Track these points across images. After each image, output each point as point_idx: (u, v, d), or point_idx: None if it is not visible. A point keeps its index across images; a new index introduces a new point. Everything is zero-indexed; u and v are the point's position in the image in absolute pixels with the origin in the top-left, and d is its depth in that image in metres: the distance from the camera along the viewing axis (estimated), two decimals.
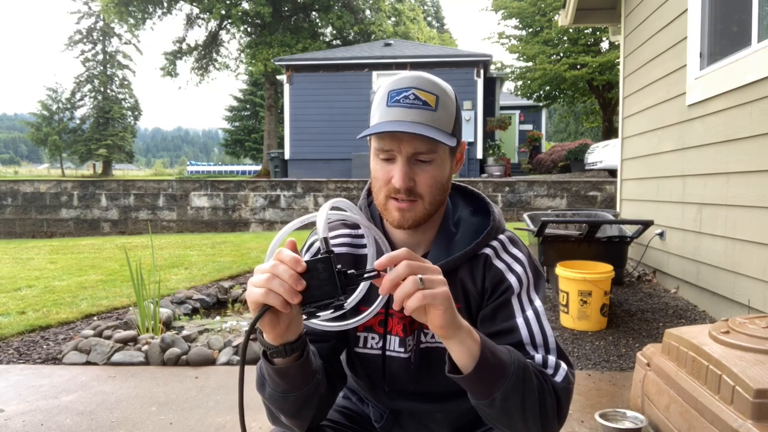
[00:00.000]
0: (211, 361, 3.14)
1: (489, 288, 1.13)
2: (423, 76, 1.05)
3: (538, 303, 1.13)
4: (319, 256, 0.90)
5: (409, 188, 1.05)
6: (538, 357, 1.06)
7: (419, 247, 1.17)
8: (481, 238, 1.14)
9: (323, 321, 1.02)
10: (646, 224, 4.19)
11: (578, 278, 3.55)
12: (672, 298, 4.38)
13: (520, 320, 1.10)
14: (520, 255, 1.16)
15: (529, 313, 1.11)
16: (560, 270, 3.68)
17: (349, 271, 0.90)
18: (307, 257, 1.19)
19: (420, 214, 1.09)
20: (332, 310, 0.91)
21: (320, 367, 1.08)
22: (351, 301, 1.01)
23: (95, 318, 4.07)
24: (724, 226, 3.65)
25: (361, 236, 1.20)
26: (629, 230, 4.56)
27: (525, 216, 5.33)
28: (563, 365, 1.06)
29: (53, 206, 12.83)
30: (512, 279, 1.12)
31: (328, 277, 0.88)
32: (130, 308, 4.17)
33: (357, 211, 1.06)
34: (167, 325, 3.82)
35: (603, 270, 3.67)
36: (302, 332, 0.99)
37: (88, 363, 3.17)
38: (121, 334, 3.41)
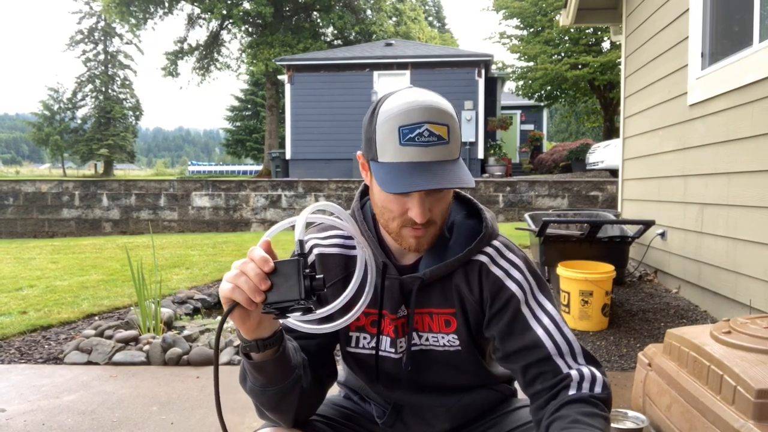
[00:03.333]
0: (212, 361, 3.14)
1: (489, 297, 1.13)
2: (432, 106, 1.02)
3: (549, 307, 1.13)
4: (291, 257, 0.91)
5: (428, 220, 1.06)
6: (574, 373, 1.06)
7: (411, 253, 1.16)
8: (474, 245, 1.13)
9: (300, 322, 1.02)
10: (648, 224, 4.18)
11: (579, 278, 3.55)
12: (673, 298, 4.37)
13: (540, 332, 1.09)
14: (516, 260, 1.15)
15: (546, 321, 1.11)
16: (561, 270, 3.67)
17: (317, 276, 0.90)
18: None
19: (433, 236, 1.10)
20: (300, 312, 0.92)
21: (301, 362, 1.09)
22: (329, 309, 1.00)
23: (96, 318, 4.08)
24: (726, 226, 3.65)
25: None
26: (630, 230, 4.56)
27: (526, 216, 5.33)
28: (597, 373, 1.07)
29: (54, 206, 12.85)
30: (513, 287, 1.12)
31: (294, 280, 0.89)
32: (132, 308, 4.17)
33: (347, 218, 1.05)
34: (168, 325, 3.82)
35: (604, 270, 3.67)
36: (277, 329, 1.00)
37: (89, 363, 3.17)
38: (123, 333, 3.41)
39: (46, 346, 3.46)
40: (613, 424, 2.08)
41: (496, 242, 1.17)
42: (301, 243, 0.93)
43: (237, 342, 3.29)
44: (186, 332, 3.52)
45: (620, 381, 2.78)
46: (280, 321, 1.00)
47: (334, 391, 1.40)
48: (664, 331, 2.14)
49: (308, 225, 1.13)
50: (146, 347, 3.25)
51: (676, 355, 1.99)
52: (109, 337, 3.41)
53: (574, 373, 1.06)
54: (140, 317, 3.62)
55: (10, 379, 2.96)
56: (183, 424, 2.41)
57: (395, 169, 1.00)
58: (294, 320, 1.02)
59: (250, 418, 2.32)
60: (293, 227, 1.00)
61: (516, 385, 1.40)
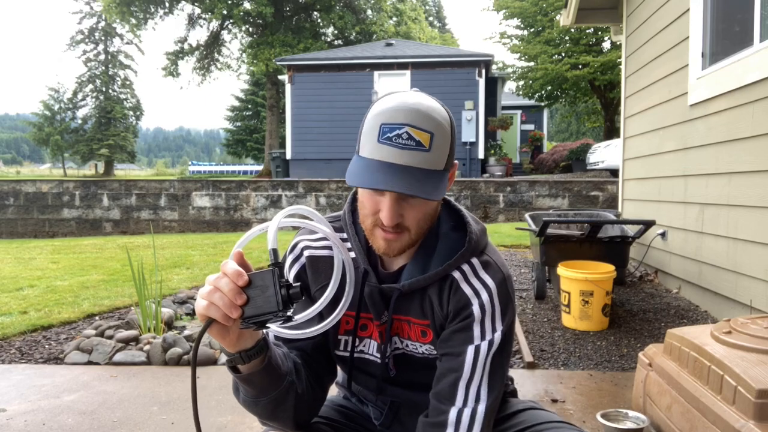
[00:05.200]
0: (212, 361, 3.14)
1: (452, 312, 1.11)
2: (419, 110, 1.00)
3: (497, 334, 1.10)
4: (266, 268, 0.89)
5: (398, 224, 1.03)
6: (453, 418, 1.06)
7: (398, 259, 1.15)
8: (453, 260, 1.11)
9: (281, 328, 1.02)
10: (648, 224, 4.18)
11: (580, 278, 3.55)
12: (674, 298, 4.37)
13: (470, 348, 1.08)
14: (489, 281, 1.12)
15: (484, 344, 1.09)
16: (562, 270, 3.67)
17: (294, 284, 0.89)
18: (290, 258, 1.19)
19: (406, 243, 1.07)
20: (280, 322, 0.90)
21: (293, 368, 1.08)
22: (306, 315, 0.99)
23: (97, 318, 4.08)
24: (726, 226, 3.65)
25: (345, 240, 1.18)
26: (631, 230, 4.55)
27: (527, 216, 5.32)
28: (480, 412, 1.06)
29: (55, 206, 12.85)
30: (474, 307, 1.09)
31: (270, 291, 0.87)
32: (132, 308, 4.18)
33: (320, 220, 1.04)
34: (169, 324, 3.82)
35: (605, 270, 3.67)
36: (260, 338, 0.98)
37: (89, 363, 3.18)
38: (123, 333, 3.41)
39: (46, 346, 3.46)
40: (613, 424, 2.09)
41: (474, 259, 1.13)
42: (275, 252, 0.91)
43: None
44: (186, 332, 3.52)
45: (620, 381, 2.78)
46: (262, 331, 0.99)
47: (333, 392, 1.40)
48: (665, 331, 2.14)
49: (295, 228, 1.13)
50: (147, 347, 3.25)
51: (676, 355, 1.99)
52: (110, 337, 3.42)
53: (453, 418, 1.06)
54: (141, 317, 3.63)
55: (11, 378, 2.96)
56: (183, 423, 2.41)
57: (367, 165, 1.00)
58: (275, 327, 1.01)
59: (250, 419, 2.32)
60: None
61: (515, 384, 1.40)
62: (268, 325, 0.91)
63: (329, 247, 1.18)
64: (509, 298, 1.13)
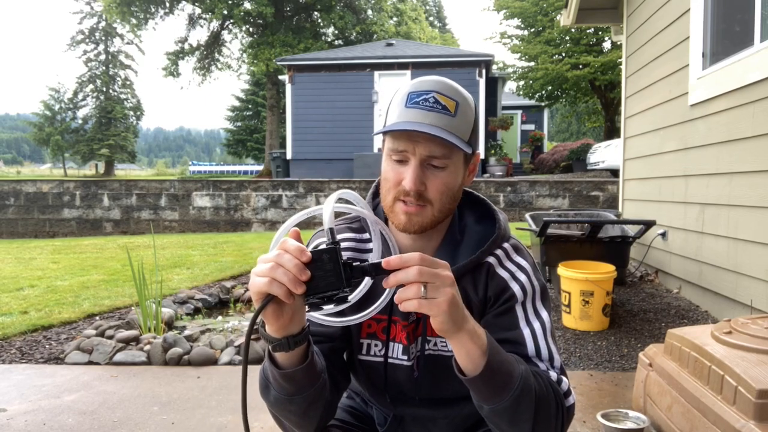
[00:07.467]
0: (213, 361, 3.14)
1: (492, 297, 1.11)
2: (445, 81, 1.04)
3: (545, 315, 1.10)
4: (325, 246, 0.88)
5: (419, 192, 1.02)
6: (554, 374, 1.04)
7: (424, 253, 1.14)
8: (486, 247, 1.11)
9: (325, 316, 1.01)
10: (649, 224, 4.18)
11: (580, 278, 3.55)
12: (674, 299, 4.37)
13: (526, 331, 1.07)
14: (524, 263, 1.13)
15: (536, 325, 1.08)
16: (562, 270, 3.67)
17: (354, 263, 0.88)
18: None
19: (427, 220, 1.06)
20: (335, 303, 0.89)
21: (324, 367, 1.06)
22: (356, 295, 0.99)
23: (97, 318, 4.08)
24: (727, 226, 3.65)
25: (367, 240, 1.17)
26: (631, 230, 4.55)
27: (527, 216, 5.32)
28: (570, 387, 1.06)
29: (55, 206, 12.85)
30: (515, 287, 1.10)
31: (332, 268, 0.86)
32: (132, 308, 4.18)
33: (364, 205, 1.04)
34: (169, 325, 3.82)
35: (605, 270, 3.67)
36: (305, 325, 0.96)
37: (90, 363, 3.18)
38: (124, 333, 3.41)
39: (47, 346, 3.46)
40: (614, 424, 2.09)
41: (506, 244, 1.15)
42: (332, 231, 0.90)
43: (237, 342, 3.30)
44: (187, 332, 3.52)
45: (621, 381, 2.78)
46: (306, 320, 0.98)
47: None
48: (665, 332, 2.14)
49: (318, 225, 1.12)
50: (147, 347, 3.25)
51: (677, 355, 1.99)
52: (110, 337, 3.42)
53: (553, 374, 1.05)
54: (141, 317, 3.63)
55: (11, 378, 2.96)
56: (184, 424, 2.41)
57: (393, 124, 1.02)
58: (318, 315, 1.00)
59: (251, 418, 2.32)
60: (311, 217, 1.00)
61: None
62: (322, 307, 0.90)
63: (353, 249, 1.18)
64: (543, 282, 1.15)
